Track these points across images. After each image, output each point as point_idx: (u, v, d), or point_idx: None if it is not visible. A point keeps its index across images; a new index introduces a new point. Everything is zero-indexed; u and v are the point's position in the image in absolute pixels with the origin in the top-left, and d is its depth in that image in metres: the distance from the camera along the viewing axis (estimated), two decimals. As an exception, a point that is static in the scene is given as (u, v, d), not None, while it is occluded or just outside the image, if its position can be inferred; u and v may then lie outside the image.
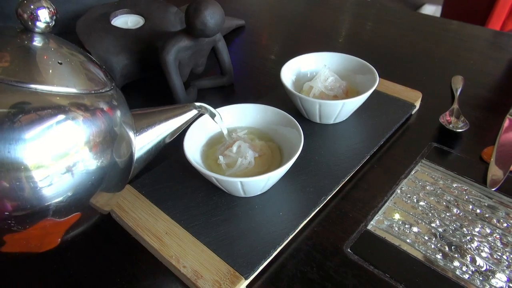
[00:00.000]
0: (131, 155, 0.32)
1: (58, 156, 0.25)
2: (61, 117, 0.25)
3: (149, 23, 0.64)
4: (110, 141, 0.28)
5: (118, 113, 0.30)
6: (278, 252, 0.37)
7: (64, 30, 0.70)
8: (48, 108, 0.24)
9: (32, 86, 0.24)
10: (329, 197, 0.42)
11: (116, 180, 0.31)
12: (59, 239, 0.29)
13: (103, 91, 0.29)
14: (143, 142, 0.34)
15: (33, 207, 0.25)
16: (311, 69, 0.56)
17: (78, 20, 0.61)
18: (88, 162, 0.26)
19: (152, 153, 0.35)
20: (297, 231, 0.39)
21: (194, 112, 0.37)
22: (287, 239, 0.38)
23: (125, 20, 0.65)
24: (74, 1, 0.67)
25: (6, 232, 0.25)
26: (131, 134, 0.32)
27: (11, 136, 0.23)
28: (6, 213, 0.24)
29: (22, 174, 0.23)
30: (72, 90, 0.26)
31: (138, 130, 0.33)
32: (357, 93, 0.51)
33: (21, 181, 0.24)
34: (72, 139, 0.26)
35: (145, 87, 0.65)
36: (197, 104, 0.38)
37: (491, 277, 0.35)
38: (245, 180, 0.36)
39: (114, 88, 0.31)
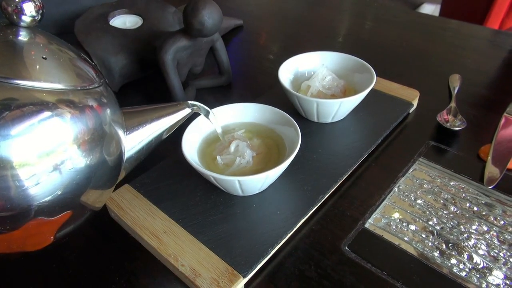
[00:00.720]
0: (121, 154, 0.31)
1: (44, 154, 0.24)
2: (46, 113, 0.24)
3: (148, 23, 0.64)
4: (98, 139, 0.27)
5: (107, 110, 0.29)
6: (276, 251, 0.38)
7: (63, 31, 0.71)
8: (32, 104, 0.24)
9: (15, 81, 0.24)
10: (327, 196, 0.42)
11: (104, 179, 0.30)
12: (52, 237, 0.29)
13: (91, 87, 0.28)
14: (134, 141, 0.33)
15: (21, 207, 0.24)
16: (309, 68, 0.56)
17: (77, 20, 0.61)
18: (75, 161, 0.26)
19: (143, 152, 0.34)
20: (295, 229, 0.39)
21: (187, 110, 0.36)
22: (285, 237, 0.38)
23: (124, 20, 0.65)
24: (72, 1, 0.67)
25: None
26: (120, 132, 0.31)
27: None
28: None
29: (8, 173, 0.23)
30: (58, 86, 0.25)
31: (129, 129, 0.32)
32: (355, 92, 0.51)
33: (7, 180, 0.23)
34: (58, 136, 0.25)
35: (144, 87, 0.65)
36: (191, 102, 0.37)
37: (488, 274, 0.35)
38: (243, 179, 0.37)
39: (103, 84, 0.30)
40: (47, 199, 0.25)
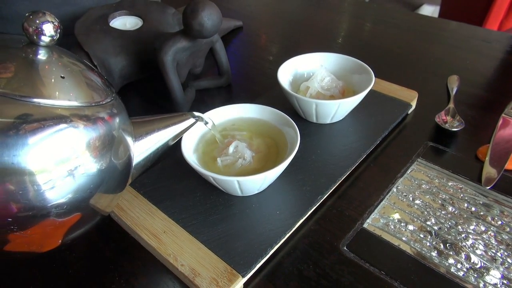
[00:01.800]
0: (130, 161, 0.33)
1: (60, 161, 0.26)
2: (62, 126, 0.26)
3: (147, 24, 0.64)
4: (108, 147, 0.29)
5: (118, 121, 0.31)
6: (275, 250, 0.38)
7: (63, 32, 0.71)
8: (50, 119, 0.26)
9: (35, 100, 0.25)
10: (325, 196, 0.42)
11: (114, 185, 0.32)
12: (61, 240, 0.30)
13: (104, 102, 0.30)
14: (142, 148, 0.34)
15: (36, 208, 0.26)
16: (308, 70, 0.56)
17: (77, 21, 0.62)
18: (88, 167, 0.28)
19: (150, 159, 0.36)
20: (294, 229, 0.39)
21: (191, 120, 0.38)
22: (284, 237, 0.38)
23: (124, 22, 0.65)
24: (72, 3, 0.68)
25: (10, 232, 0.26)
26: (130, 141, 0.33)
27: (16, 143, 0.24)
28: (11, 214, 0.25)
29: (26, 178, 0.25)
30: (74, 103, 0.27)
31: (137, 137, 0.34)
32: (354, 93, 0.52)
33: (25, 184, 0.25)
34: (73, 146, 0.27)
35: (144, 88, 0.65)
36: (196, 114, 0.39)
37: (485, 274, 0.35)
38: (242, 179, 0.37)
39: (114, 98, 0.32)
40: (61, 201, 0.27)
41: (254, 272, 0.36)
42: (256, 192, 0.42)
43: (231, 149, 0.42)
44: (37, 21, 0.27)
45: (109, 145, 0.29)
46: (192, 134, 0.43)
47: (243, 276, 0.34)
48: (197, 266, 0.35)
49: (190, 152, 0.41)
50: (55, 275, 0.37)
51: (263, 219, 0.39)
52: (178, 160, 0.42)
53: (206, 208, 0.41)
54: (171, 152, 0.45)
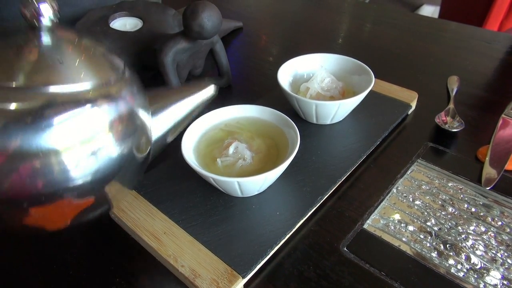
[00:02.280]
0: (148, 137, 0.32)
1: (77, 141, 0.26)
2: (76, 109, 0.26)
3: (148, 25, 0.64)
4: (126, 125, 0.29)
5: (132, 97, 0.30)
6: (275, 251, 0.38)
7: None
8: (65, 104, 0.26)
9: (45, 88, 0.25)
10: (325, 197, 0.42)
11: (135, 165, 0.31)
12: (70, 220, 0.30)
13: (114, 80, 0.29)
14: (160, 123, 0.34)
15: (57, 185, 0.26)
16: (308, 70, 0.56)
17: (77, 23, 0.62)
18: (108, 149, 0.28)
19: (169, 134, 0.35)
20: (294, 230, 0.39)
21: (212, 88, 0.37)
22: (284, 238, 0.38)
23: (124, 23, 0.65)
24: (72, 4, 0.68)
25: (30, 205, 0.27)
26: (146, 115, 0.32)
27: (37, 128, 0.25)
28: (36, 188, 0.26)
29: (46, 160, 0.25)
30: (84, 86, 0.27)
31: (154, 112, 0.33)
32: (354, 94, 0.52)
33: (45, 166, 0.25)
34: (90, 128, 0.27)
35: (144, 89, 0.65)
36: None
37: (485, 274, 0.35)
38: (242, 180, 0.37)
39: (125, 72, 0.31)
40: (82, 181, 0.27)
41: (254, 273, 0.36)
42: (256, 193, 0.42)
43: (231, 150, 0.42)
44: (35, 3, 0.26)
45: (125, 123, 0.29)
46: (192, 134, 0.43)
47: (243, 277, 0.34)
48: (197, 267, 0.35)
49: (190, 153, 0.41)
50: (55, 275, 0.37)
51: (263, 220, 0.39)
52: (178, 161, 0.42)
53: (206, 209, 0.41)
54: (171, 153, 0.45)
